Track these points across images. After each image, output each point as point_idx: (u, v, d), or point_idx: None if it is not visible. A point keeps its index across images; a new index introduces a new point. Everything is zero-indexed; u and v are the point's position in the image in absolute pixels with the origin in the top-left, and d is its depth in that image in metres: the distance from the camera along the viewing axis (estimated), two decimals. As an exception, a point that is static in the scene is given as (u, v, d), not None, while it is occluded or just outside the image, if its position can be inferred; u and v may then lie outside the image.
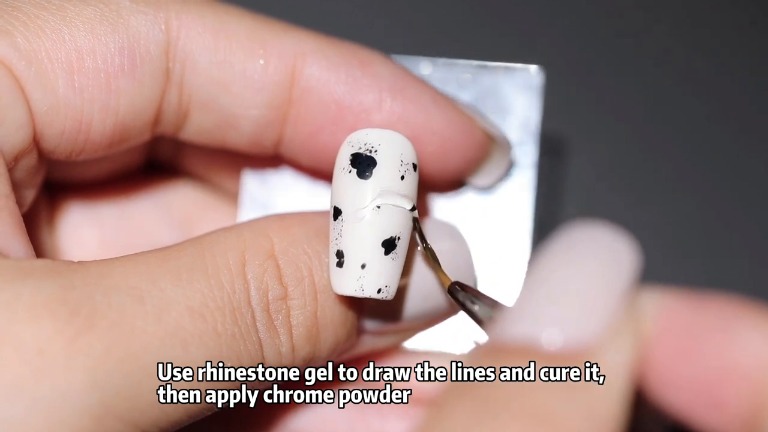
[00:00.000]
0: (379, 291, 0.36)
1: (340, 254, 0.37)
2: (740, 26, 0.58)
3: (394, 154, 0.37)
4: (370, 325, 0.40)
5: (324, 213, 0.40)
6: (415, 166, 0.37)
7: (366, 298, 0.37)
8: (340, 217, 0.37)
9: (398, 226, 0.37)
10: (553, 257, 0.27)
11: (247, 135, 0.41)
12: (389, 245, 0.37)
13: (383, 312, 0.40)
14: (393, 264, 0.37)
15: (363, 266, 0.36)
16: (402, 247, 0.37)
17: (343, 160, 0.37)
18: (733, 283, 0.54)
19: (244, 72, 0.39)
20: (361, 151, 0.37)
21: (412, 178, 0.37)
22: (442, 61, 0.45)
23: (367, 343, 0.41)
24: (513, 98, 0.45)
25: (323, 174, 0.43)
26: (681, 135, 0.56)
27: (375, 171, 0.37)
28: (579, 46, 0.57)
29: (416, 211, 0.37)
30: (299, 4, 0.56)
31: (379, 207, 0.36)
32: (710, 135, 0.56)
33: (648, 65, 0.57)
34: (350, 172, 0.37)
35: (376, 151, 0.37)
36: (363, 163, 0.37)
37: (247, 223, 0.38)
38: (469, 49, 0.56)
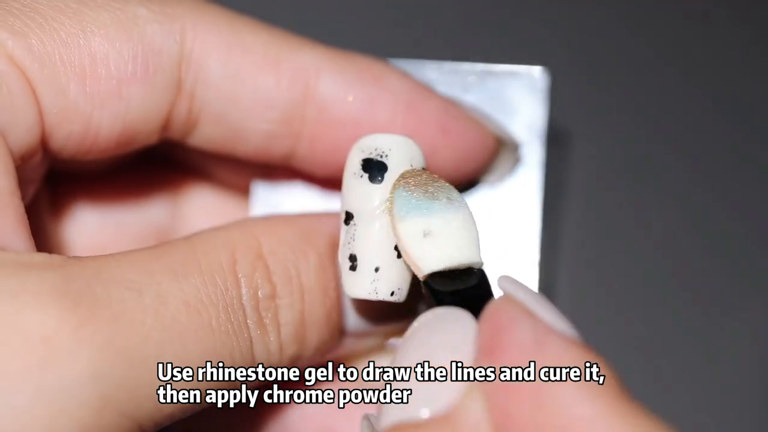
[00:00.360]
0: (392, 294, 0.37)
1: (353, 258, 0.37)
2: (745, 25, 0.58)
3: (404, 158, 0.37)
4: (352, 326, 0.40)
5: (312, 215, 0.40)
6: (424, 170, 0.38)
7: (353, 300, 0.37)
8: (352, 222, 0.37)
9: None
10: (406, 350, 0.34)
11: (256, 147, 0.41)
12: None
13: (366, 314, 0.40)
14: (404, 267, 0.37)
15: (377, 269, 0.37)
16: None
17: (353, 165, 0.37)
18: (734, 276, 0.54)
19: (257, 87, 0.40)
20: (371, 156, 0.37)
21: None
22: (447, 64, 0.46)
23: (349, 345, 0.41)
24: (519, 99, 0.45)
25: (334, 183, 0.43)
26: (685, 132, 0.56)
27: (386, 175, 0.37)
28: (583, 44, 0.57)
29: None
30: (304, 8, 0.56)
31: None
32: (715, 133, 0.56)
33: (652, 62, 0.57)
34: (361, 176, 0.37)
35: (386, 155, 0.37)
36: (374, 168, 0.37)
37: (236, 223, 0.39)
38: (474, 52, 0.56)
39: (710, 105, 0.57)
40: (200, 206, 0.47)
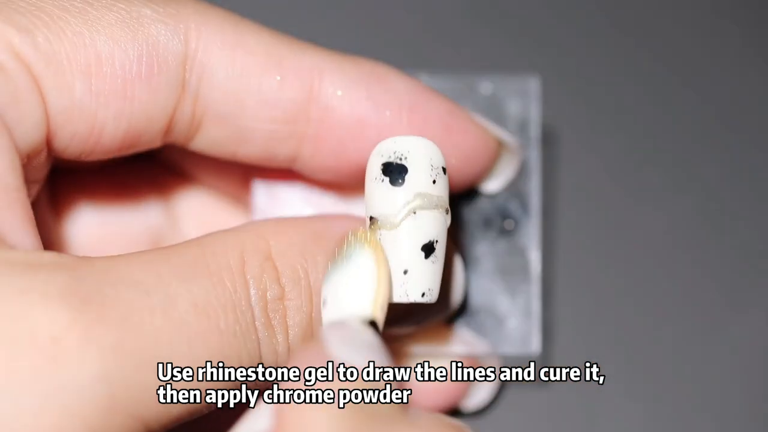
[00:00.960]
0: (423, 295, 0.37)
1: None
2: (733, 27, 0.58)
3: (424, 159, 0.37)
4: None
5: (321, 217, 0.40)
6: (444, 170, 0.38)
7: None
8: (377, 226, 0.37)
9: (435, 229, 0.37)
10: None
11: (259, 149, 0.41)
12: (428, 249, 0.37)
13: None
14: (433, 267, 0.37)
15: (405, 272, 0.37)
16: (440, 250, 0.37)
17: (374, 170, 0.37)
18: (727, 278, 0.54)
19: (260, 88, 0.40)
20: (391, 159, 0.37)
21: (443, 182, 0.38)
22: (440, 72, 0.46)
23: None
24: (512, 107, 0.45)
25: (338, 187, 0.43)
26: (677, 135, 0.56)
27: (407, 177, 0.37)
28: (575, 49, 0.57)
29: (449, 214, 0.38)
30: (292, 19, 0.57)
31: (415, 213, 0.37)
32: (707, 134, 0.57)
33: (645, 66, 0.58)
34: (383, 181, 0.37)
35: (406, 158, 0.37)
36: (395, 171, 0.37)
37: (244, 226, 0.39)
38: (466, 59, 0.56)
39: (700, 106, 0.57)
40: (197, 211, 0.47)
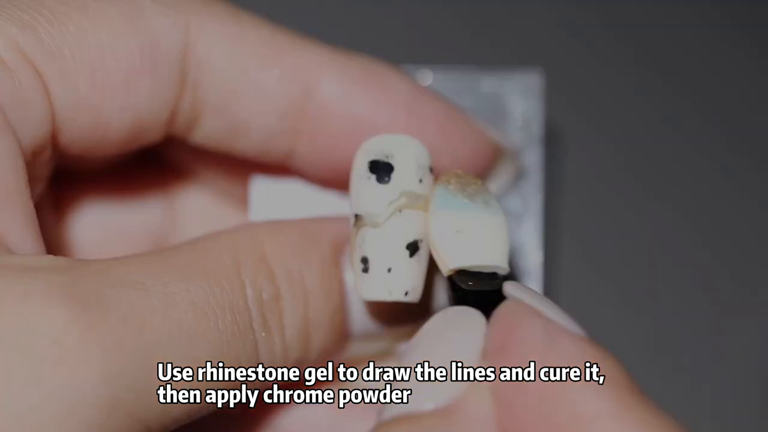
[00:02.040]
0: (406, 294, 0.37)
1: (365, 260, 0.37)
2: (741, 28, 0.58)
3: (410, 158, 0.37)
4: (359, 329, 0.40)
5: (315, 219, 0.40)
6: (431, 169, 0.38)
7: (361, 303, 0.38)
8: (362, 224, 0.37)
9: (420, 228, 0.37)
10: (415, 348, 0.34)
11: (256, 143, 0.41)
12: (413, 248, 0.37)
13: (374, 316, 0.40)
14: (418, 267, 0.37)
15: (389, 270, 0.37)
16: (424, 249, 0.37)
17: (360, 168, 0.38)
18: (732, 273, 0.54)
19: (258, 81, 0.40)
20: (378, 157, 0.37)
21: (429, 181, 0.38)
22: (442, 68, 0.46)
23: (355, 349, 0.41)
24: (515, 102, 0.45)
25: (333, 184, 0.43)
26: (681, 134, 0.56)
27: (393, 176, 0.37)
28: (578, 47, 0.57)
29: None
30: (294, 16, 0.57)
31: (400, 211, 0.37)
32: (709, 131, 0.57)
33: (648, 64, 0.58)
34: (369, 178, 0.37)
35: (393, 156, 0.37)
36: (381, 170, 0.37)
37: (239, 227, 0.39)
38: (467, 55, 0.56)
39: (704, 105, 0.57)
40: (199, 210, 0.47)
